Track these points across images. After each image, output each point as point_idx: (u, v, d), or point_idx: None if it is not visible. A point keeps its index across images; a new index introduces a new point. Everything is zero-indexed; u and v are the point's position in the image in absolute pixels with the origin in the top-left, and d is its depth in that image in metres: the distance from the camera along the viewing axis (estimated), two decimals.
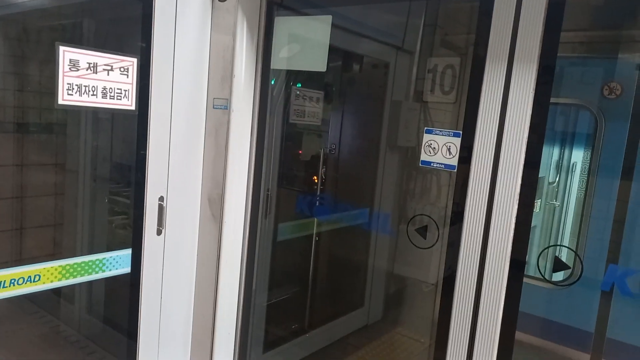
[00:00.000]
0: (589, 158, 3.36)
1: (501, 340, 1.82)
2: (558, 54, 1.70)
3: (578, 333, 3.09)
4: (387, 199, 3.73)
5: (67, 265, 2.12)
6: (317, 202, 3.59)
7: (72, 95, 1.93)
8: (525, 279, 1.85)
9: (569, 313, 3.11)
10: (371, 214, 3.78)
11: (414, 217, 2.33)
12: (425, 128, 2.00)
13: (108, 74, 2.04)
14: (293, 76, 2.98)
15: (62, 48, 1.86)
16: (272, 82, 2.66)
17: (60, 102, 1.91)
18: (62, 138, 3.21)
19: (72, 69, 1.91)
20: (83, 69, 1.94)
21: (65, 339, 3.17)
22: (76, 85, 1.94)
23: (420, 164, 2.03)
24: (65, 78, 1.90)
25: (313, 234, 3.60)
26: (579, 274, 2.56)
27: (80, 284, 3.00)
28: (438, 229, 2.31)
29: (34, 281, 2.04)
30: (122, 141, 3.04)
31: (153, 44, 2.17)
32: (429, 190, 3.53)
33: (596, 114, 3.17)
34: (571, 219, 3.69)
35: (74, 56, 1.91)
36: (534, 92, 1.71)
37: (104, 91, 2.04)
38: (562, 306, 3.15)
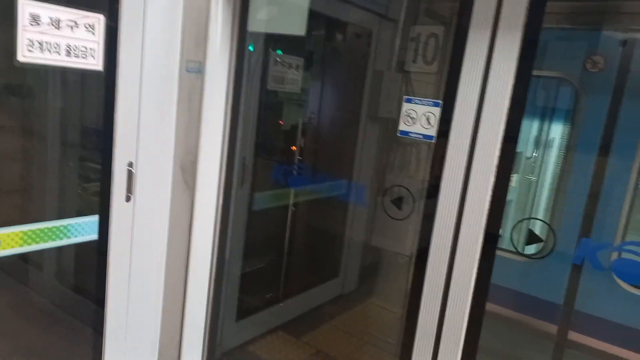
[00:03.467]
0: (568, 133, 3.35)
1: (471, 311, 1.83)
2: (543, 25, 1.65)
3: (548, 305, 3.15)
4: (366, 171, 3.71)
5: (29, 230, 2.04)
6: (295, 173, 3.54)
7: (32, 52, 1.81)
8: (499, 252, 1.84)
9: (540, 286, 3.17)
10: (349, 185, 3.75)
11: (389, 188, 2.31)
12: (405, 97, 1.95)
13: (72, 31, 1.92)
14: (272, 42, 2.87)
15: (20, 0, 1.73)
16: (252, 50, 2.56)
17: (19, 59, 1.79)
18: (28, 100, 3.06)
19: (33, 23, 1.78)
20: (45, 24, 1.82)
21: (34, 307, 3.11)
22: (37, 41, 1.81)
23: (398, 134, 1.98)
24: (25, 33, 1.77)
25: (290, 204, 3.56)
26: (552, 247, 2.58)
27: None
28: (414, 200, 2.29)
29: None
30: (92, 104, 2.92)
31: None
32: (409, 163, 3.50)
33: (578, 88, 3.15)
34: (547, 194, 3.72)
35: (34, 10, 1.78)
36: (517, 63, 1.66)
37: (68, 49, 1.92)
38: (534, 279, 3.20)
